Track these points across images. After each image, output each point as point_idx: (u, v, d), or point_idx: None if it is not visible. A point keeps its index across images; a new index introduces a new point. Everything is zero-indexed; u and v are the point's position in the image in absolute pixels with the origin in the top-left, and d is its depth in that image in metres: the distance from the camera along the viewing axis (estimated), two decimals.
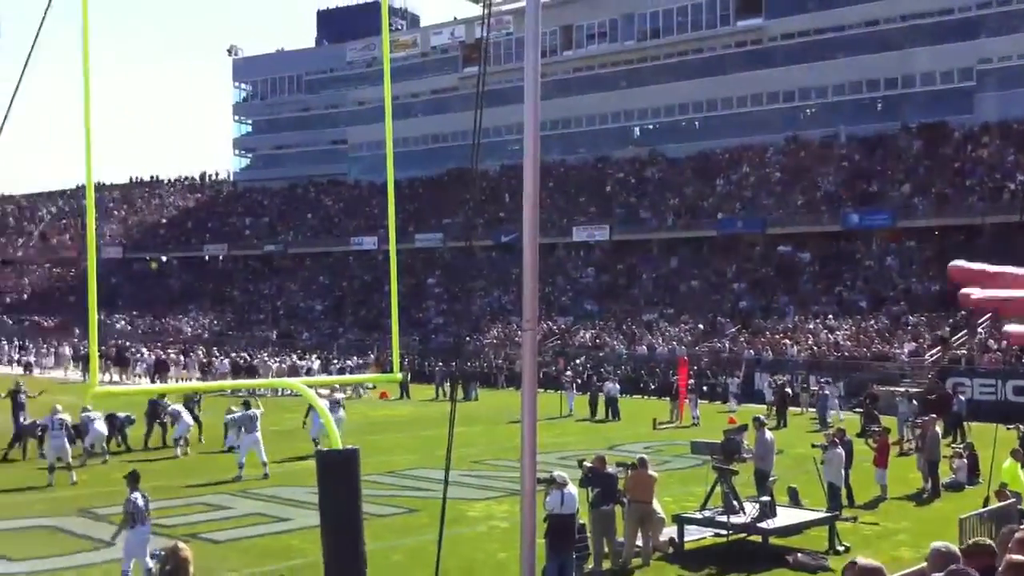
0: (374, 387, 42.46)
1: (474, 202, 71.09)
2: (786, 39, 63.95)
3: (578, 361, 46.82)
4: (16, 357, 58.59)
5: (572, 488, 12.75)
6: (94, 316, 12.18)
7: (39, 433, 22.28)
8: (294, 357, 48.36)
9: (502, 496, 18.80)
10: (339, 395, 26.62)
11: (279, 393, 40.75)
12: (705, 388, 38.28)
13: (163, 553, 9.41)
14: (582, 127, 74.84)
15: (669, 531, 14.85)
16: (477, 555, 14.22)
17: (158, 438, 24.52)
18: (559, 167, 72.45)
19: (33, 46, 8.14)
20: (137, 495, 12.02)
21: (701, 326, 49.76)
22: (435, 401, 40.04)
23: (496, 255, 67.64)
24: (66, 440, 20.32)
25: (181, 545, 9.40)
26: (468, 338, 55.82)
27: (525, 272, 6.67)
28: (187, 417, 24.07)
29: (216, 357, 50.16)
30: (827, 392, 32.92)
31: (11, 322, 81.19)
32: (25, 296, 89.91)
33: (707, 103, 68.02)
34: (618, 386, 35.69)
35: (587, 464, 14.22)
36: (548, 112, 69.20)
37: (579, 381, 38.68)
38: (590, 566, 13.50)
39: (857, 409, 31.68)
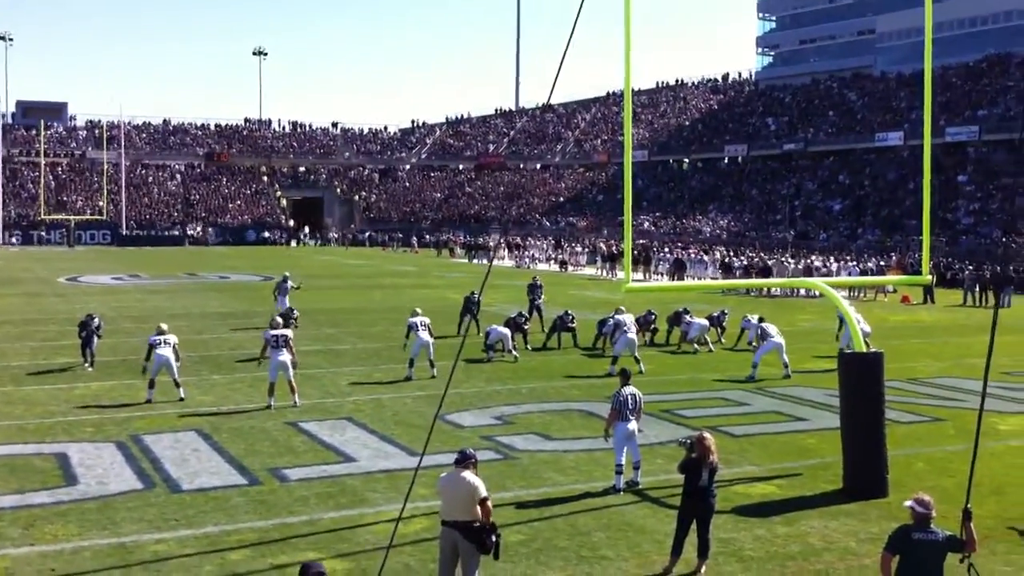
0: (895, 290, 40.80)
1: (1018, 90, 64.58)
2: None
3: None
4: (552, 255, 63.88)
5: None
6: (628, 219, 13.04)
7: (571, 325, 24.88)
8: (812, 258, 47.74)
9: None
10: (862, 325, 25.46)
11: (794, 294, 40.65)
12: None
13: (689, 441, 10.03)
14: None
15: None
16: (1008, 470, 13.34)
17: (675, 337, 25.61)
18: None
19: None
20: (624, 391, 12.42)
21: None
22: (962, 307, 37.62)
23: None
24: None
25: (707, 435, 9.97)
26: (1003, 239, 51.41)
27: None
28: (700, 320, 24.88)
29: (733, 257, 50.97)
30: None
31: (548, 223, 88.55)
32: (560, 199, 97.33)
33: None
34: None
35: None
36: None
37: None
38: None
39: None
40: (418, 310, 21.12)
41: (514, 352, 22.74)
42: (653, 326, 25.75)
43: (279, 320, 18.37)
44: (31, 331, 26.87)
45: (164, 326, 18.23)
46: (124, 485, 12.36)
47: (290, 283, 29.55)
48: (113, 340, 24.16)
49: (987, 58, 73.71)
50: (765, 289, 40.68)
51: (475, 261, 63.61)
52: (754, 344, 23.75)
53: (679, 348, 24.78)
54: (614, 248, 54.45)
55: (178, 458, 13.64)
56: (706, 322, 25.16)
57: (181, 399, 17.36)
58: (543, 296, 29.10)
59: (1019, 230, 53.22)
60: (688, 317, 25.08)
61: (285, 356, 17.06)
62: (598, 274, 53.31)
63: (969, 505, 7.51)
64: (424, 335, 20.02)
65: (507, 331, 22.93)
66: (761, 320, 22.55)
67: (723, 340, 26.00)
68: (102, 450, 14.04)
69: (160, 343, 17.45)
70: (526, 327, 24.49)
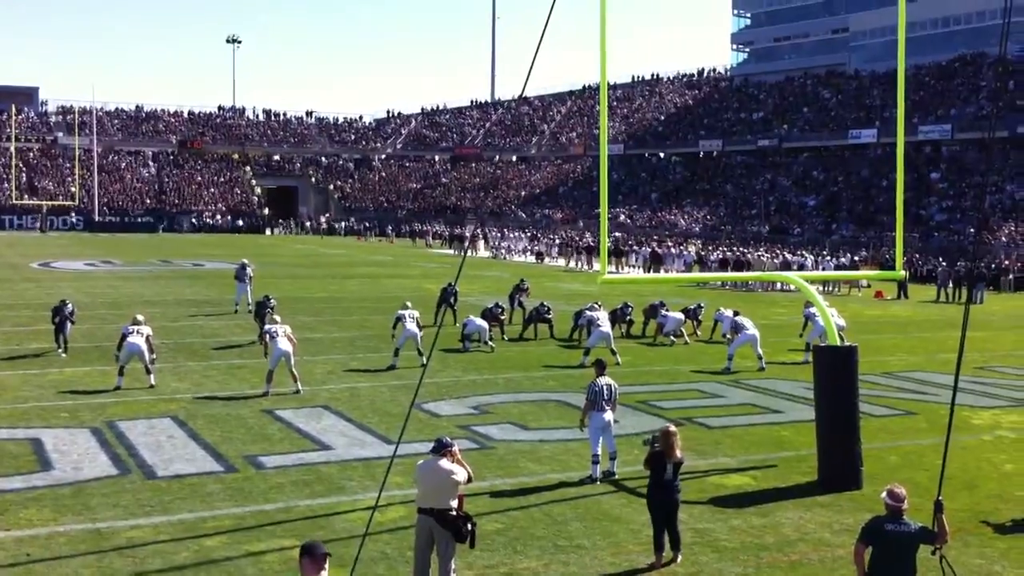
0: (868, 285, 41.12)
1: (990, 89, 65.09)
2: None
3: None
4: (529, 247, 63.86)
5: None
6: (604, 211, 13.06)
7: (548, 316, 25.08)
8: (786, 253, 48.03)
9: (1010, 406, 17.58)
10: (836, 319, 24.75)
11: (769, 288, 40.87)
12: None
13: (652, 437, 10.11)
14: None
15: None
16: (981, 464, 13.49)
17: (651, 330, 25.71)
18: None
19: None
20: (600, 382, 12.48)
21: None
22: (935, 303, 37.96)
23: (1012, 147, 61.82)
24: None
25: (672, 428, 10.04)
26: (976, 236, 51.90)
27: None
28: (676, 314, 25.02)
29: (708, 251, 51.19)
30: None
31: (524, 215, 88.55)
32: (536, 191, 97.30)
33: None
34: None
35: None
36: None
37: None
38: None
39: None
40: (408, 303, 21.18)
41: (491, 343, 22.77)
42: (629, 318, 25.85)
43: (276, 318, 18.86)
44: (3, 316, 26.62)
45: (140, 317, 18.22)
46: (99, 471, 12.29)
47: (249, 270, 29.54)
48: (87, 326, 23.98)
49: (960, 58, 74.26)
50: (740, 282, 40.88)
51: (456, 252, 63.16)
52: (728, 336, 23.86)
53: (655, 340, 24.87)
54: (590, 241, 54.49)
55: (153, 444, 13.58)
56: (682, 316, 25.29)
57: (151, 386, 17.29)
58: (527, 298, 28.71)
59: (991, 227, 53.73)
60: (664, 310, 25.18)
61: (286, 345, 17.15)
62: (574, 266, 53.39)
63: (940, 497, 7.59)
64: (412, 326, 20.08)
65: (485, 323, 22.96)
66: (736, 313, 22.72)
67: (699, 333, 26.12)
68: (76, 436, 13.95)
69: (133, 332, 17.43)
70: (502, 318, 24.56)
